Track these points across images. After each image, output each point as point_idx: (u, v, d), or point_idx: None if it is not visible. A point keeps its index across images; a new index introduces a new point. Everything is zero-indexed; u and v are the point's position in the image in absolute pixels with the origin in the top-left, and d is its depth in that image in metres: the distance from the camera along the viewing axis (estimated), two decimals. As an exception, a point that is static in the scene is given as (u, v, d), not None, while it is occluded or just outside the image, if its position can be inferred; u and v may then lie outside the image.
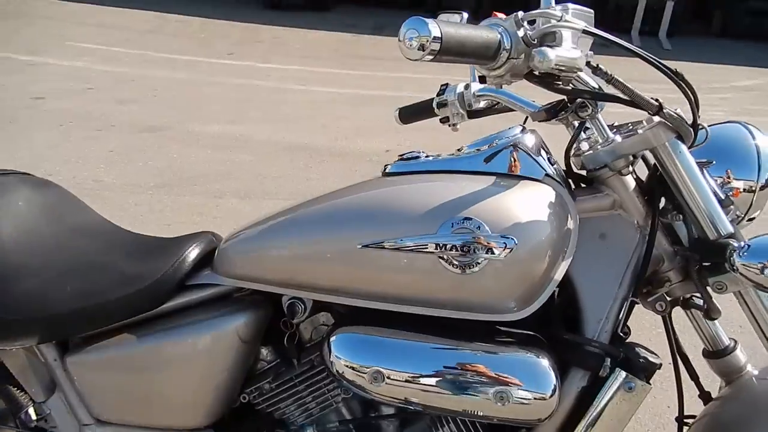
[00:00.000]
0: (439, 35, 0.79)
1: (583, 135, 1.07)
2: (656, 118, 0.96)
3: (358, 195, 1.02)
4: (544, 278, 0.94)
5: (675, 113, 0.94)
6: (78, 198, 1.26)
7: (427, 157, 1.05)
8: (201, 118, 4.71)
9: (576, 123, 1.04)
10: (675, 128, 0.96)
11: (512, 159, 0.98)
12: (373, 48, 7.98)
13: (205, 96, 5.37)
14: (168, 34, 7.95)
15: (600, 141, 1.03)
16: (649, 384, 0.99)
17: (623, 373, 0.97)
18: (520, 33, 0.89)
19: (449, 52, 0.81)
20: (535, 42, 0.89)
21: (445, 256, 0.91)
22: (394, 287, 0.97)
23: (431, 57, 0.81)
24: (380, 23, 9.45)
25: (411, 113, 1.34)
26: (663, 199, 1.04)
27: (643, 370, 0.98)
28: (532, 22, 0.92)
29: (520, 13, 0.90)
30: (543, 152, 1.02)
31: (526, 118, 1.16)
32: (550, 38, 0.89)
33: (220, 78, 6.02)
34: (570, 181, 1.06)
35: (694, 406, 1.15)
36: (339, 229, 0.98)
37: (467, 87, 1.20)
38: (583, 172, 1.07)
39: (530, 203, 0.94)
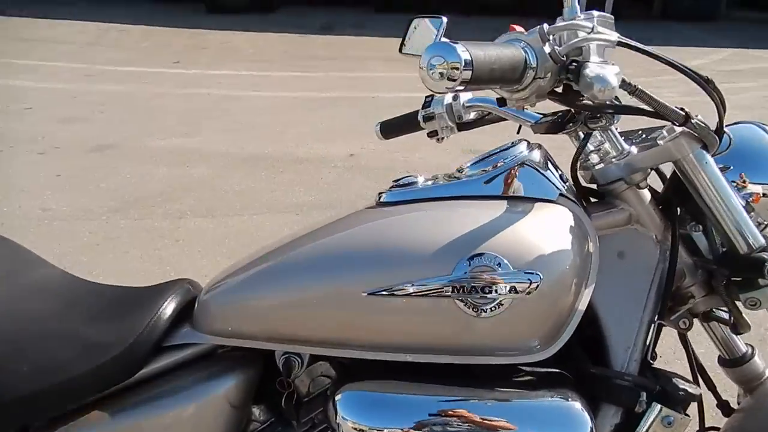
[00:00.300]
0: (470, 60, 0.69)
1: (589, 146, 0.99)
2: (679, 128, 0.88)
3: (355, 233, 0.91)
4: (570, 311, 0.85)
5: (702, 122, 0.86)
6: (31, 251, 1.11)
7: (425, 181, 0.95)
8: (152, 133, 4.48)
9: (582, 133, 0.95)
10: (700, 137, 0.88)
11: (522, 180, 0.89)
12: (324, 48, 7.83)
13: (154, 109, 5.13)
14: (108, 45, 7.61)
15: (614, 154, 0.94)
16: (688, 416, 0.91)
17: (660, 407, 0.89)
18: (547, 49, 0.78)
19: (480, 79, 0.71)
20: (564, 58, 0.79)
21: (463, 299, 0.81)
22: (406, 336, 0.86)
23: (462, 87, 0.71)
24: (328, 22, 9.29)
25: (394, 128, 1.24)
26: (678, 209, 0.97)
27: (681, 402, 0.91)
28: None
29: (546, 26, 0.80)
30: (553, 168, 0.93)
31: (519, 127, 1.07)
32: (576, 52, 0.80)
33: (168, 88, 5.77)
34: (580, 197, 0.97)
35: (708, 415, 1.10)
36: (339, 275, 0.86)
37: (456, 98, 1.11)
38: (592, 185, 0.99)
39: (549, 229, 0.85)
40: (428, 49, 0.70)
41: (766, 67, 7.35)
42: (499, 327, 0.83)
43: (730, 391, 1.14)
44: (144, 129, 4.58)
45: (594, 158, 0.98)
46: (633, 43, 0.81)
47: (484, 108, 1.10)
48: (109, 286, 1.09)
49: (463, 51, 0.69)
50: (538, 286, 0.81)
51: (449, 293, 0.81)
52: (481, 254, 0.81)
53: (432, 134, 1.16)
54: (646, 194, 0.95)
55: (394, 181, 0.97)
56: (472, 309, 0.81)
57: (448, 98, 1.10)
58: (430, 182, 0.94)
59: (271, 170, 3.84)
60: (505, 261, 0.81)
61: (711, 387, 1.13)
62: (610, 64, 0.80)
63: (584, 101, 0.81)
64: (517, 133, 1.09)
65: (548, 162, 0.94)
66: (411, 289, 0.81)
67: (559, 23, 0.83)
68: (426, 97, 1.14)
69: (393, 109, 4.65)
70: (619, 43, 0.80)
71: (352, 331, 0.87)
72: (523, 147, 0.93)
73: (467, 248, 0.82)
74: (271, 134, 4.53)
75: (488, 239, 0.82)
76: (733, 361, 1.07)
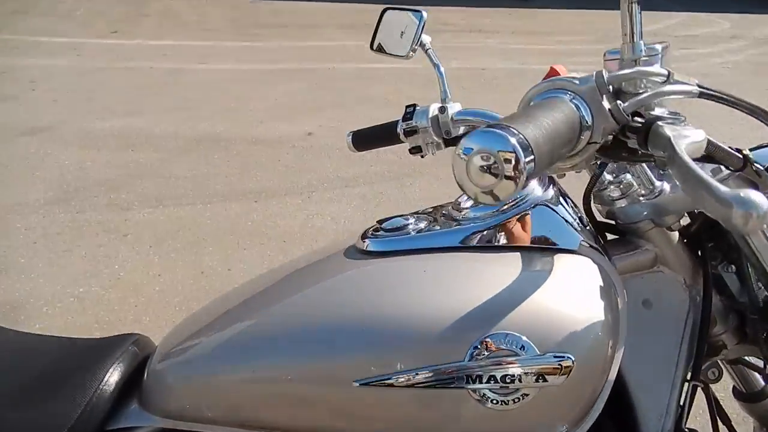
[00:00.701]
0: (527, 144, 0.51)
1: (606, 175, 0.83)
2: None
3: (340, 299, 0.73)
4: (601, 385, 0.71)
5: (761, 167, 0.72)
6: None
7: (417, 223, 0.78)
8: (92, 113, 4.15)
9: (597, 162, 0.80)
10: (754, 182, 0.74)
11: (538, 225, 0.73)
12: (274, 15, 7.45)
13: (93, 85, 4.76)
14: (38, 14, 7.04)
15: (641, 191, 0.79)
16: None
17: None
18: (606, 104, 0.61)
19: (540, 170, 0.53)
20: (628, 117, 0.61)
21: (479, 391, 0.66)
22: (406, 429, 0.71)
23: (525, 187, 0.53)
24: (277, -14, 8.85)
25: (368, 140, 1.05)
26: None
27: None
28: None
29: (605, 73, 0.62)
30: (569, 208, 0.78)
31: None
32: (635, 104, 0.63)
33: (107, 62, 5.38)
34: (599, 239, 0.83)
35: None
36: (324, 358, 0.69)
37: (443, 110, 0.94)
38: (609, 220, 0.85)
39: (576, 292, 0.70)
40: (467, 140, 0.52)
41: (718, 31, 7.42)
42: (521, 417, 0.68)
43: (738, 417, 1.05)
44: (82, 108, 4.23)
45: (613, 191, 0.82)
46: (715, 92, 0.66)
47: (476, 122, 0.94)
48: (39, 338, 0.90)
49: (516, 135, 0.51)
50: (570, 370, 0.66)
51: (462, 384, 0.65)
52: (499, 334, 0.66)
53: (414, 150, 0.99)
54: (675, 234, 0.82)
55: (380, 221, 0.80)
56: (491, 402, 0.66)
57: (433, 110, 0.93)
58: (422, 225, 0.77)
59: (224, 153, 3.59)
60: (530, 342, 0.65)
61: (726, 422, 1.03)
62: (682, 123, 0.64)
63: (639, 154, 0.65)
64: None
65: (562, 199, 0.78)
66: (414, 379, 0.65)
67: (623, 70, 0.65)
68: (407, 107, 0.97)
69: (351, 81, 4.42)
70: (701, 94, 0.65)
71: (342, 422, 0.71)
72: (534, 183, 0.77)
73: (482, 326, 0.66)
74: (222, 112, 4.26)
75: (507, 314, 0.66)
76: (751, 396, 0.97)
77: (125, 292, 2.27)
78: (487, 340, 0.65)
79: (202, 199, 3.04)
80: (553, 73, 0.68)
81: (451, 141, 0.95)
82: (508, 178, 0.51)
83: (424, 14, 0.90)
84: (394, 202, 3.02)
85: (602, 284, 0.71)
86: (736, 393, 0.99)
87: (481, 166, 0.52)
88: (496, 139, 0.51)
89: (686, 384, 0.80)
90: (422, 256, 0.73)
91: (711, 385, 0.95)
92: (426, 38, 0.91)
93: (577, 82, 0.62)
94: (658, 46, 0.69)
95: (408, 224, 0.77)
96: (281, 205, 2.98)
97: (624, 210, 0.80)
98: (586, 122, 0.60)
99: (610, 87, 0.61)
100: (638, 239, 0.81)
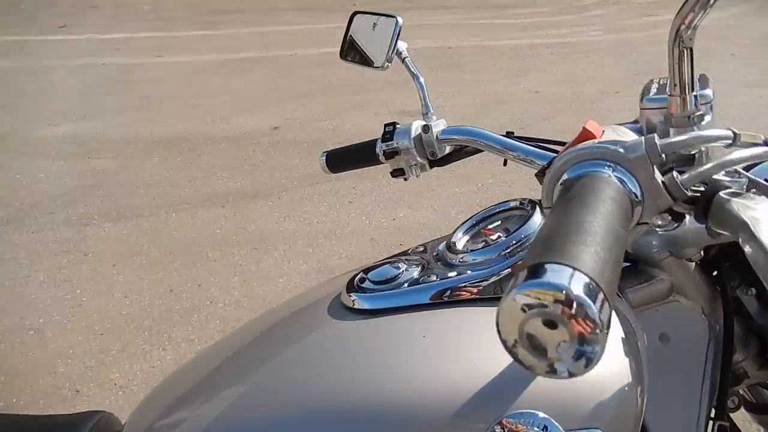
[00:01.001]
0: (597, 285, 0.36)
1: None
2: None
3: (327, 377, 0.64)
4: None
5: None
6: None
7: (408, 271, 0.69)
8: (43, 118, 3.93)
9: None
10: None
11: None
12: (232, 0, 7.19)
13: (42, 87, 4.52)
14: (-21, 9, 6.68)
15: (659, 222, 0.71)
16: None
17: None
18: (658, 176, 0.49)
19: (612, 301, 0.37)
20: (689, 193, 0.50)
21: None
22: None
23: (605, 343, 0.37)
24: (232, -32, 8.55)
25: (343, 160, 0.96)
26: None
27: None
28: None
29: (657, 139, 0.49)
30: None
31: (505, 161, 0.83)
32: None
33: (56, 59, 5.11)
34: None
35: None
36: None
37: (426, 129, 0.85)
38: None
39: None
40: (520, 289, 0.37)
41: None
42: None
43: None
44: (32, 114, 4.01)
45: None
46: None
47: (462, 141, 0.86)
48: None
49: (580, 276, 0.36)
50: None
51: None
52: (515, 413, 0.57)
53: (397, 173, 0.91)
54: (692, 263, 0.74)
55: (365, 270, 0.71)
56: None
57: (416, 128, 0.85)
58: (415, 273, 0.68)
59: (187, 154, 3.44)
60: (551, 420, 0.57)
61: None
62: (743, 187, 0.54)
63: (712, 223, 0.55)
64: (504, 165, 0.86)
65: None
66: None
67: (679, 135, 0.54)
68: (386, 126, 0.88)
69: (314, 68, 4.25)
70: None
71: None
72: (538, 216, 0.69)
73: (496, 406, 0.57)
74: (182, 109, 4.08)
75: (523, 387, 0.57)
76: (763, 407, 0.92)
77: (89, 320, 2.14)
78: (504, 421, 0.57)
79: (166, 208, 2.89)
80: (585, 135, 0.54)
81: (437, 162, 0.88)
82: (583, 342, 0.36)
83: (400, 20, 0.81)
84: (368, 197, 2.92)
85: (622, 334, 0.63)
86: (746, 404, 0.94)
87: (541, 322, 0.36)
88: (548, 286, 0.36)
89: (711, 423, 0.73)
90: (418, 316, 0.64)
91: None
92: (402, 45, 0.82)
93: (623, 150, 0.50)
94: (709, 92, 0.59)
95: (398, 274, 0.68)
96: (250, 209, 2.86)
97: (637, 241, 0.72)
98: (636, 198, 0.49)
99: (663, 156, 0.50)
100: (652, 268, 0.73)
